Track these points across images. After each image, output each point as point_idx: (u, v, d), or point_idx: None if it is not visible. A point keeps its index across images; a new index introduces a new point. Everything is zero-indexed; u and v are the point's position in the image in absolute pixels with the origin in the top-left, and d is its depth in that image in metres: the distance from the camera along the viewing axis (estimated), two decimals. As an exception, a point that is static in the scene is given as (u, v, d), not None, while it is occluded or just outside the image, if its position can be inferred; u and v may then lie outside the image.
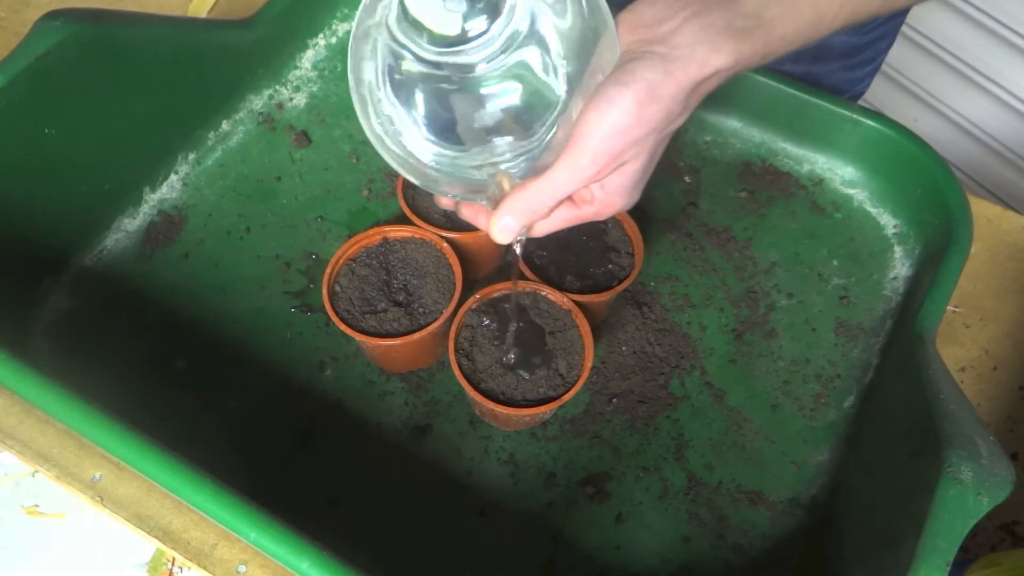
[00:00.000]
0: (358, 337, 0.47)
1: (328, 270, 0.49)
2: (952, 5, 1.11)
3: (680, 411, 0.52)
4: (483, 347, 0.47)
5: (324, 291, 0.48)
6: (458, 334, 0.47)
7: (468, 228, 0.51)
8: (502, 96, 0.36)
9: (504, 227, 0.39)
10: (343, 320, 0.47)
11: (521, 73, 0.36)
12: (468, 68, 0.35)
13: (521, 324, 0.48)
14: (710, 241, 0.59)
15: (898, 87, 1.26)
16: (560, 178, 0.37)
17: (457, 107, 0.36)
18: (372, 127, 0.37)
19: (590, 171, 0.37)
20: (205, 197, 0.59)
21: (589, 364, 0.46)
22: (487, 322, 0.48)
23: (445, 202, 0.46)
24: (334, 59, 0.67)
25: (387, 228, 0.51)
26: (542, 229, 0.42)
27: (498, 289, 0.49)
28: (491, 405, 0.45)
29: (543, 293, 0.48)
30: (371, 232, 0.50)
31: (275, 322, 0.54)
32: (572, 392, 0.45)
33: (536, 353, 0.47)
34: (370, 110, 0.37)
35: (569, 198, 0.40)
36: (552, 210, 0.39)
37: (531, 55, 0.35)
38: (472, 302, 0.48)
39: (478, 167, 0.38)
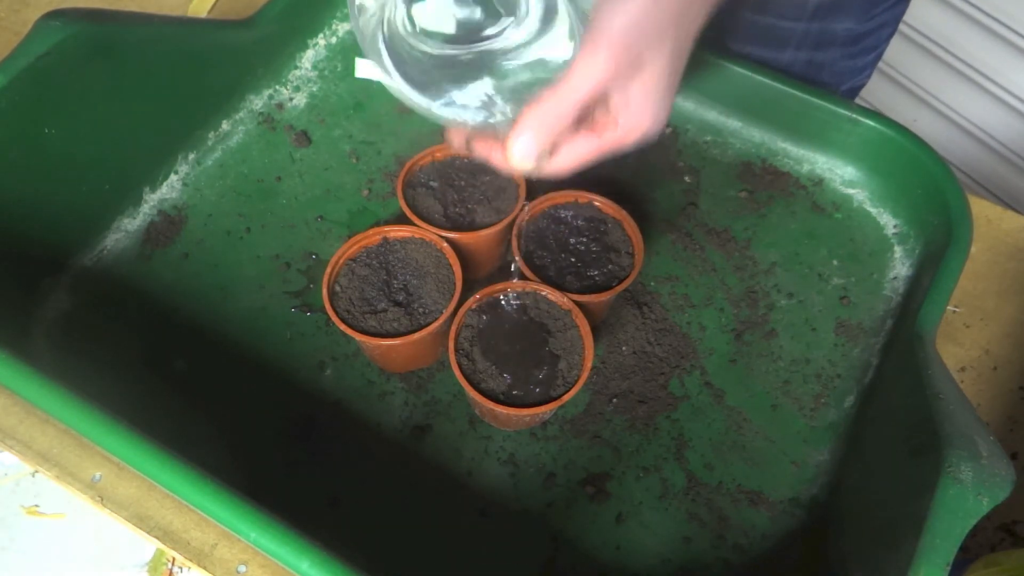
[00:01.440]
0: (358, 337, 0.47)
1: (328, 270, 0.49)
2: (952, 5, 1.11)
3: (680, 411, 0.52)
4: (483, 347, 0.47)
5: (324, 291, 0.48)
6: (458, 334, 0.47)
7: (468, 228, 0.51)
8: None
9: (523, 148, 0.36)
10: (343, 320, 0.47)
11: None
12: None
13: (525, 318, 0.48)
14: (710, 241, 0.59)
15: (898, 87, 1.26)
16: (576, 80, 0.35)
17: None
18: (366, 24, 0.35)
19: (607, 66, 0.35)
20: (205, 197, 0.59)
21: (589, 364, 0.46)
22: (486, 318, 0.48)
23: (456, 140, 0.43)
24: (334, 59, 0.67)
25: (387, 228, 0.51)
26: (563, 164, 0.39)
27: (499, 289, 0.49)
28: (491, 405, 0.45)
29: (543, 293, 0.48)
30: (371, 232, 0.50)
31: (275, 322, 0.54)
32: (572, 392, 0.45)
33: (536, 353, 0.47)
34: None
35: (589, 127, 0.37)
36: (572, 118, 0.36)
37: None
38: (472, 302, 0.48)
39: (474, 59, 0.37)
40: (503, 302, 0.48)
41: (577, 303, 0.48)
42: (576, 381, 0.46)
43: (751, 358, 0.54)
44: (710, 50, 0.61)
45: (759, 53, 0.68)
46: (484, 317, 0.48)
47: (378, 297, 0.49)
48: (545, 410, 0.45)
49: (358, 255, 0.50)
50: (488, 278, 0.57)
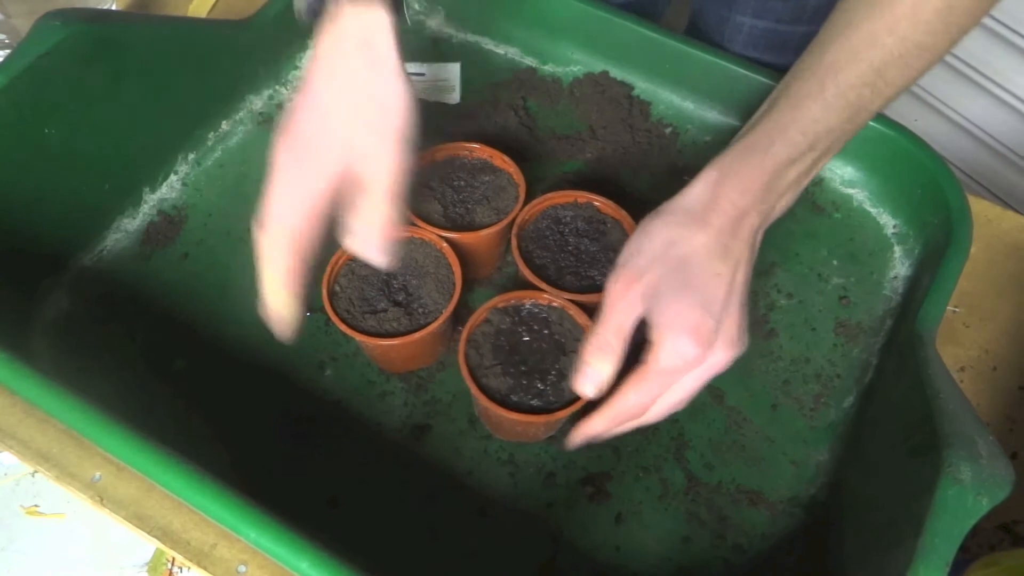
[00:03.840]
0: (358, 337, 0.47)
1: (328, 270, 0.49)
2: (952, 5, 1.11)
3: (680, 411, 0.52)
4: (495, 345, 0.47)
5: (324, 291, 0.48)
6: (475, 326, 0.47)
7: (468, 228, 0.51)
8: None
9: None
10: (343, 320, 0.47)
11: None
12: None
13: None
14: (710, 241, 0.59)
15: (898, 87, 1.26)
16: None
17: None
18: None
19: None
20: (205, 197, 0.59)
21: None
22: (508, 320, 0.48)
23: None
24: (334, 59, 0.67)
25: None
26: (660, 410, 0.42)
27: (529, 297, 0.48)
28: (485, 402, 0.44)
29: (570, 312, 0.48)
30: None
31: (275, 322, 0.54)
32: (564, 412, 0.44)
33: (544, 367, 0.46)
34: None
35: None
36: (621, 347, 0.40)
37: None
38: (500, 300, 0.47)
39: None
40: (529, 311, 0.48)
41: (576, 303, 0.48)
42: (573, 402, 0.45)
43: (751, 358, 0.54)
44: (710, 52, 0.61)
45: (760, 58, 0.68)
46: (507, 319, 0.48)
47: (378, 297, 0.49)
48: (535, 420, 0.44)
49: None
50: (488, 279, 0.57)
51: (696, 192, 0.42)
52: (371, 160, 0.40)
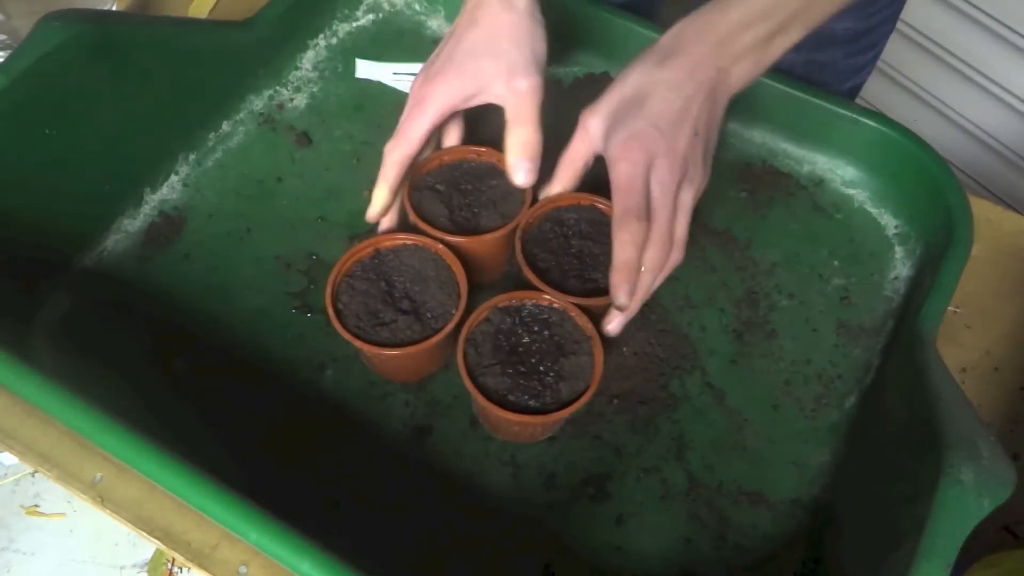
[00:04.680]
0: (374, 350, 0.46)
1: (328, 289, 0.48)
2: (952, 5, 1.11)
3: (681, 412, 0.52)
4: (495, 345, 0.47)
5: (331, 311, 0.47)
6: (475, 325, 0.47)
7: (473, 232, 0.51)
8: None
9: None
10: (356, 336, 0.46)
11: None
12: None
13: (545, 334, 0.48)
14: (710, 241, 0.59)
15: (898, 87, 1.26)
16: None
17: None
18: None
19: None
20: (205, 198, 0.59)
21: (587, 397, 0.45)
22: (509, 320, 0.48)
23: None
24: (334, 59, 0.67)
25: (379, 239, 0.50)
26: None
27: (531, 297, 0.48)
28: (483, 402, 0.44)
29: (571, 315, 0.48)
30: (363, 245, 0.50)
31: (275, 323, 0.54)
32: (562, 413, 0.44)
33: (541, 368, 0.46)
34: None
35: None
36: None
37: None
38: (502, 299, 0.47)
39: None
40: (529, 311, 0.48)
41: (578, 305, 0.48)
42: (569, 404, 0.45)
43: (752, 359, 0.54)
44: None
45: None
46: (508, 319, 0.48)
47: (384, 309, 0.48)
48: (531, 420, 0.44)
49: (353, 270, 0.50)
50: (492, 283, 0.56)
51: (664, 41, 0.48)
52: (504, 86, 0.49)
